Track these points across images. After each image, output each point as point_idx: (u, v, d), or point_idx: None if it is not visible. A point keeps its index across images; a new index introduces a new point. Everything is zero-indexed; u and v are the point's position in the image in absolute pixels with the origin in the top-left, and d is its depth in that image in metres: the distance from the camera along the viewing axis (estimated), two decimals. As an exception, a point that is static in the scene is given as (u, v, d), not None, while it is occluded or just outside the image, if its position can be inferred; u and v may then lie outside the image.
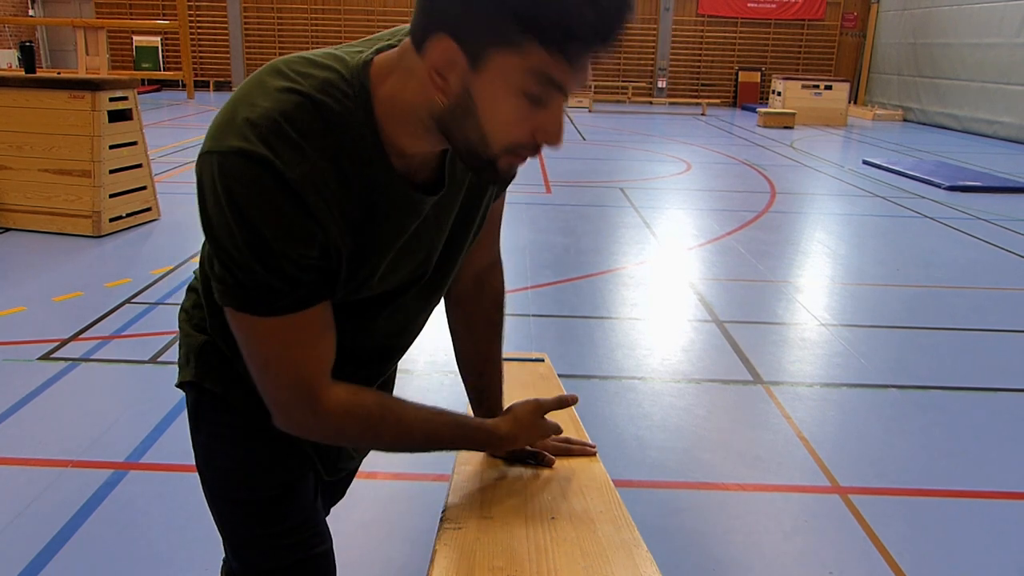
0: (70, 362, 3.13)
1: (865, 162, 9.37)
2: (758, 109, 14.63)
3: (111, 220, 5.13)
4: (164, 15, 17.13)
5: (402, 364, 1.28)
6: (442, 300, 1.22)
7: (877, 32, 17.73)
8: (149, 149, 5.64)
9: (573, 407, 1.37)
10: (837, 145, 11.73)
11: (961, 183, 7.73)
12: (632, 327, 3.81)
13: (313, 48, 0.96)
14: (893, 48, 16.88)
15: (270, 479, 1.13)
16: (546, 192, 7.04)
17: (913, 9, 15.97)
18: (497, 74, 0.82)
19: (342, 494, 1.47)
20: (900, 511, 2.32)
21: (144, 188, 5.46)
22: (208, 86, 17.86)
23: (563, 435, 1.33)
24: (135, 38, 17.41)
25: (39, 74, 7.16)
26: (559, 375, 1.72)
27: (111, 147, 5.10)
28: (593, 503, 1.18)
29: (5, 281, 4.15)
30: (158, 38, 17.47)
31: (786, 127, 13.47)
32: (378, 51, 0.92)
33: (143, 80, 15.39)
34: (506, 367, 1.37)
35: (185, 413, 1.19)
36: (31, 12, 17.61)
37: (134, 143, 5.35)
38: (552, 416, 1.29)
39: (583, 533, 1.10)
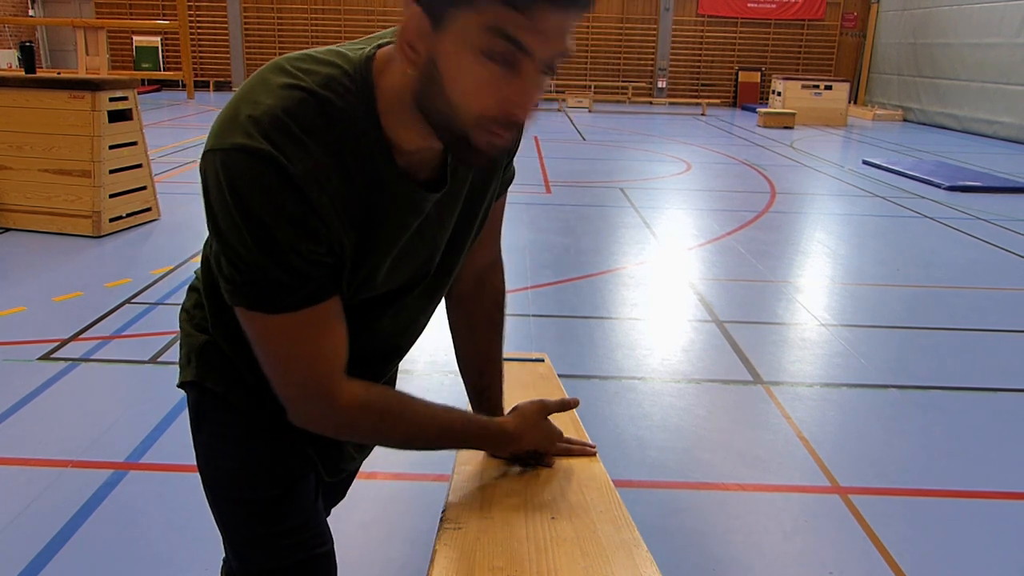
0: (70, 362, 3.13)
1: (865, 162, 9.37)
2: (758, 109, 14.63)
3: (111, 220, 5.13)
4: (164, 15, 17.12)
5: (402, 364, 1.28)
6: (443, 300, 1.22)
7: (877, 32, 17.73)
8: (149, 149, 5.64)
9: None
10: (837, 145, 11.73)
11: (961, 183, 7.73)
12: (632, 327, 3.81)
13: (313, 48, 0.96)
14: (893, 48, 16.88)
15: (271, 479, 1.13)
16: (546, 192, 7.04)
17: (913, 9, 15.97)
18: (457, 34, 0.80)
19: (343, 495, 1.47)
20: (900, 511, 2.32)
21: (144, 188, 5.45)
22: (208, 86, 17.85)
23: (563, 436, 1.33)
24: (135, 38, 17.41)
25: (39, 74, 7.16)
26: (559, 375, 1.72)
27: (111, 147, 5.10)
28: (593, 503, 1.18)
29: (5, 281, 4.15)
30: (158, 38, 17.47)
31: (786, 127, 13.47)
32: (380, 46, 0.92)
33: (143, 80, 15.39)
34: (506, 367, 1.37)
35: (185, 413, 1.19)
36: (31, 12, 17.60)
37: (134, 143, 5.35)
38: (553, 418, 1.29)
39: (583, 533, 1.10)
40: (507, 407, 1.34)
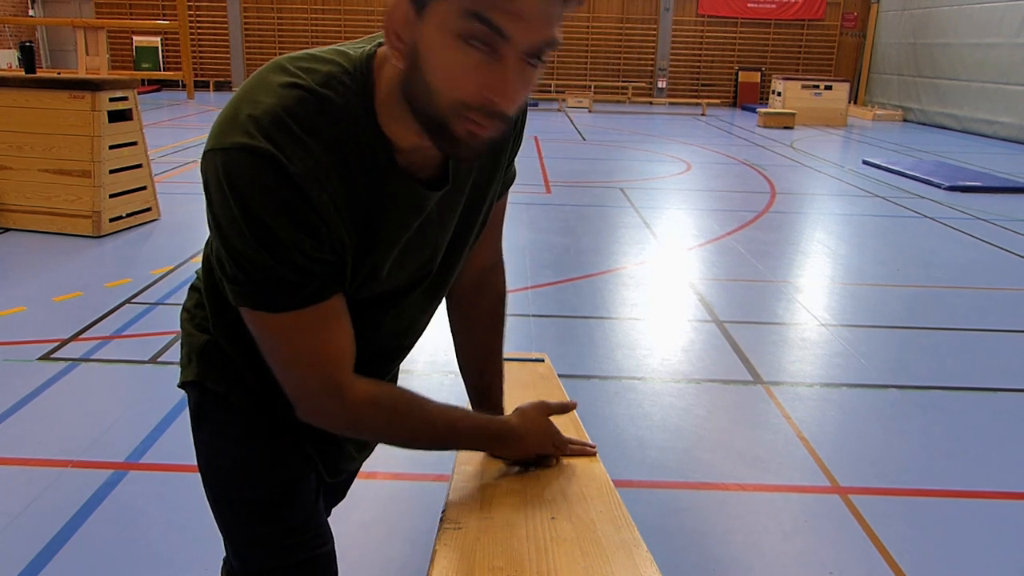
0: (70, 362, 3.13)
1: (865, 162, 9.37)
2: (758, 109, 14.63)
3: (111, 220, 5.13)
4: (164, 15, 17.12)
5: (402, 364, 1.28)
6: (443, 300, 1.22)
7: (877, 32, 17.73)
8: (149, 149, 5.64)
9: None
10: (837, 145, 11.73)
11: (961, 183, 7.73)
12: (632, 327, 3.81)
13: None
14: (893, 48, 16.88)
15: (272, 478, 1.13)
16: (546, 192, 7.04)
17: (913, 9, 15.96)
18: (436, 20, 0.80)
19: (343, 495, 1.47)
20: (900, 511, 2.32)
21: (144, 188, 5.45)
22: (208, 86, 17.85)
23: (564, 436, 1.33)
24: (135, 38, 17.41)
25: (39, 74, 7.17)
26: (559, 375, 1.72)
27: (111, 147, 5.10)
28: (593, 503, 1.18)
29: (5, 281, 4.15)
30: (158, 38, 17.46)
31: (786, 127, 13.47)
32: (380, 44, 0.92)
33: (143, 80, 15.39)
34: (506, 367, 1.37)
35: (185, 413, 1.19)
36: (31, 12, 17.60)
37: (134, 143, 5.35)
38: (553, 417, 1.29)
39: (583, 533, 1.10)
40: (507, 407, 1.34)
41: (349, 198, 0.90)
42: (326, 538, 1.20)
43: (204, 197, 0.89)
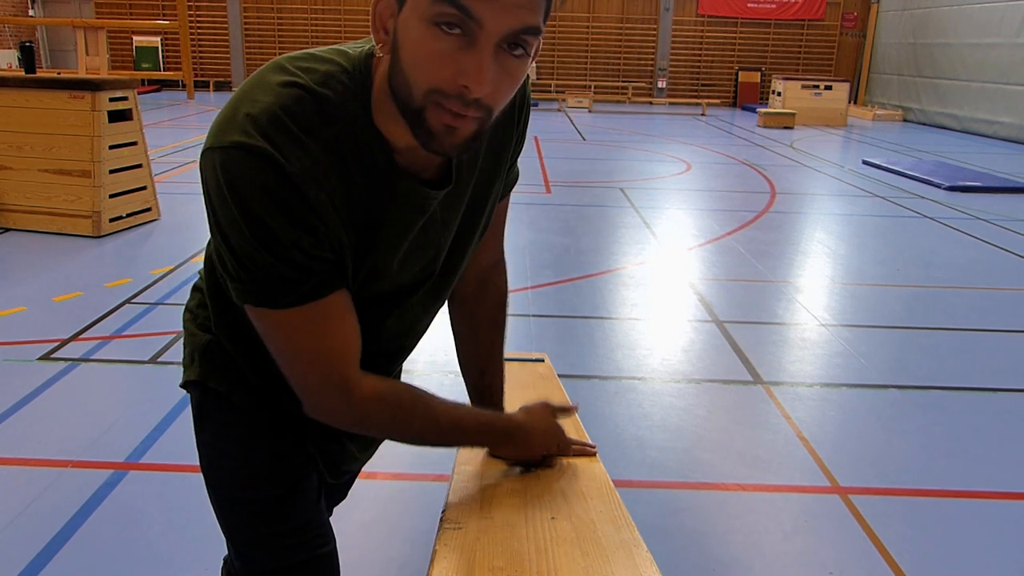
0: (70, 362, 3.13)
1: (865, 162, 9.37)
2: (758, 109, 14.63)
3: (111, 220, 5.13)
4: (164, 15, 17.12)
5: (403, 364, 1.28)
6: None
7: (877, 32, 17.73)
8: (149, 149, 5.64)
9: (572, 408, 1.37)
10: (837, 145, 11.73)
11: (961, 183, 7.73)
12: (632, 327, 3.81)
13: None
14: (893, 48, 16.88)
15: (274, 478, 1.13)
16: (546, 192, 7.04)
17: (913, 9, 15.96)
18: (412, 7, 0.80)
19: (344, 495, 1.47)
20: (900, 511, 2.32)
21: (144, 188, 5.46)
22: (208, 86, 17.85)
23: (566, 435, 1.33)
24: (135, 38, 17.41)
25: (39, 74, 7.17)
26: (559, 375, 1.72)
27: (111, 147, 5.10)
28: (593, 503, 1.18)
29: (5, 281, 4.15)
30: (158, 38, 17.46)
31: (786, 127, 13.47)
32: None
33: (143, 80, 15.39)
34: (506, 367, 1.37)
35: (185, 413, 1.19)
36: (31, 12, 17.60)
37: (134, 143, 5.35)
38: (553, 417, 1.29)
39: (583, 533, 1.10)
40: (507, 407, 1.34)
41: (348, 198, 0.90)
42: (328, 538, 1.20)
43: (203, 195, 0.89)
